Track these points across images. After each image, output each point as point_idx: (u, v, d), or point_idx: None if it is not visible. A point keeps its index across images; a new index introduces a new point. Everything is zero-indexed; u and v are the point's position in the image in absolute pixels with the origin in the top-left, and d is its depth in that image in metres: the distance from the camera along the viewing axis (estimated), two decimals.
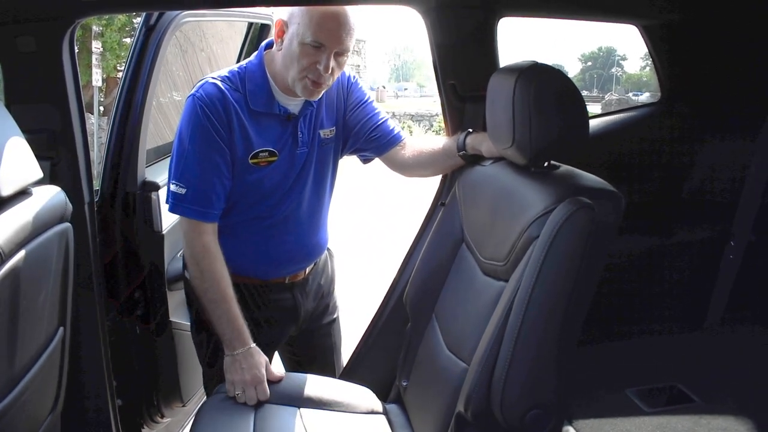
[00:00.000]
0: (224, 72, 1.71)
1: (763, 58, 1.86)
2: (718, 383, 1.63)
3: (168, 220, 2.10)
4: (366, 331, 2.08)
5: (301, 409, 1.68)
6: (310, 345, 2.03)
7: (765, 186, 1.92)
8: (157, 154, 2.41)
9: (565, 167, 1.44)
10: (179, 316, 2.22)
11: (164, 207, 2.04)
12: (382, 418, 1.72)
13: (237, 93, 1.68)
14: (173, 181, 1.67)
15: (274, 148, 1.70)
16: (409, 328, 1.75)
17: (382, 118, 1.86)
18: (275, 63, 1.69)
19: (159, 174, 2.14)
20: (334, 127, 1.82)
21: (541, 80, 1.35)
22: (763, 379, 1.65)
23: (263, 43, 1.75)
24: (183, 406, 2.28)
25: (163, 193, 2.05)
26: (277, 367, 2.09)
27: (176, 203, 1.67)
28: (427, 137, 12.22)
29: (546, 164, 1.41)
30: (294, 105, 1.74)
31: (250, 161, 1.68)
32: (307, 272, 1.89)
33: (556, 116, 1.34)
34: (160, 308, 2.10)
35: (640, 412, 1.52)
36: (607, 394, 1.60)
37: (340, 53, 1.63)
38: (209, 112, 1.64)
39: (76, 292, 1.67)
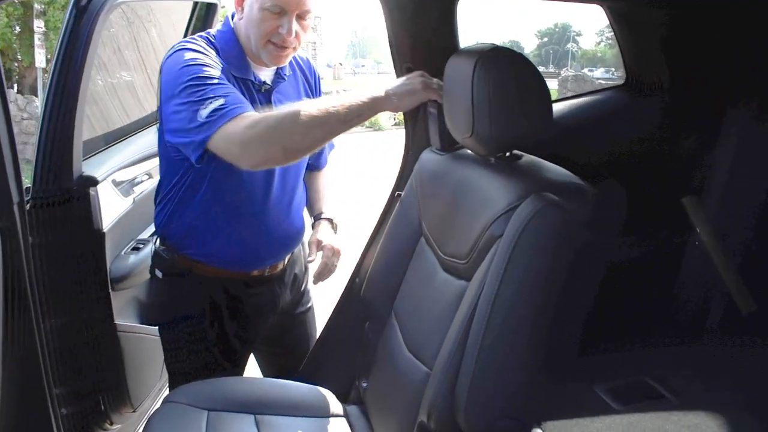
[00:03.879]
0: (195, 37, 1.62)
1: (727, 46, 1.81)
2: (688, 379, 1.59)
3: (109, 217, 1.97)
4: (324, 328, 2.00)
5: (256, 415, 1.59)
6: (286, 335, 1.97)
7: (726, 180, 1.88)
8: (107, 141, 2.28)
9: (528, 158, 1.36)
10: (125, 318, 2.11)
11: (104, 203, 1.94)
12: (343, 421, 1.65)
13: (215, 54, 1.59)
14: (200, 105, 1.44)
15: None
16: (368, 326, 1.67)
17: None
18: (240, 32, 1.61)
19: (98, 167, 2.00)
20: None
21: (501, 65, 1.26)
22: (733, 373, 1.62)
23: (229, 14, 1.66)
24: (133, 411, 2.18)
25: (102, 189, 1.93)
26: (253, 370, 2.02)
27: (216, 117, 1.42)
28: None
29: (508, 154, 1.33)
30: (265, 75, 1.66)
31: None
32: (285, 263, 1.82)
33: (517, 103, 1.25)
34: (103, 310, 1.97)
35: (609, 411, 1.48)
36: (575, 392, 1.55)
37: (302, 15, 1.57)
38: (200, 47, 1.56)
39: (9, 300, 1.55)
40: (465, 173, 1.40)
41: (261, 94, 1.64)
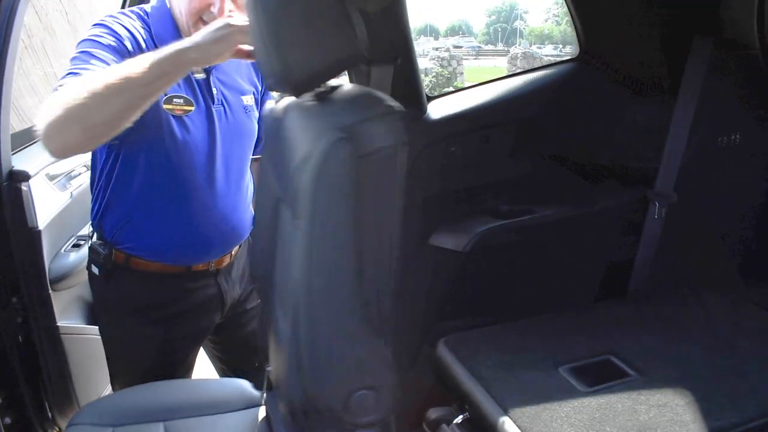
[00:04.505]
0: (126, 11, 1.51)
1: (682, 14, 1.79)
2: (650, 354, 1.58)
3: (45, 214, 1.85)
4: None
5: (166, 422, 1.49)
6: (235, 332, 1.87)
7: (685, 146, 1.87)
8: (32, 138, 2.14)
9: (348, 88, 1.17)
10: (68, 319, 2.00)
11: (39, 199, 1.82)
12: (261, 410, 1.55)
13: (145, 31, 1.47)
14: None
15: (189, 97, 1.51)
16: (259, 304, 1.59)
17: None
18: (174, 9, 1.50)
19: (30, 160, 1.88)
20: (252, 96, 1.67)
21: None
22: (694, 345, 1.62)
23: None
24: None
25: (35, 183, 1.81)
26: (205, 369, 1.93)
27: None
28: None
29: (321, 91, 1.15)
30: None
31: (164, 106, 1.46)
32: (232, 256, 1.73)
33: (305, 33, 1.07)
34: (43, 312, 1.86)
35: (576, 393, 1.44)
36: (539, 374, 1.51)
37: None
38: (119, 23, 1.44)
39: None
40: (285, 121, 1.23)
41: (197, 77, 1.54)
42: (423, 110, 1.82)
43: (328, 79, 1.13)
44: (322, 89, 1.14)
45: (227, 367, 1.95)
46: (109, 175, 1.53)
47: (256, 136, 1.70)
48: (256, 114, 1.69)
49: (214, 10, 1.44)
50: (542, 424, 1.33)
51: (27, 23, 1.69)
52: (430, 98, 1.90)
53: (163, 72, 1.24)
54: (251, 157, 1.73)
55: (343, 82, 1.18)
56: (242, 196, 1.70)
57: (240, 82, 1.64)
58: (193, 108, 1.51)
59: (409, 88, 1.80)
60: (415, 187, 1.79)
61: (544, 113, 1.97)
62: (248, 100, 1.65)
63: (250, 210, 1.75)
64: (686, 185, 1.91)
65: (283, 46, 1.06)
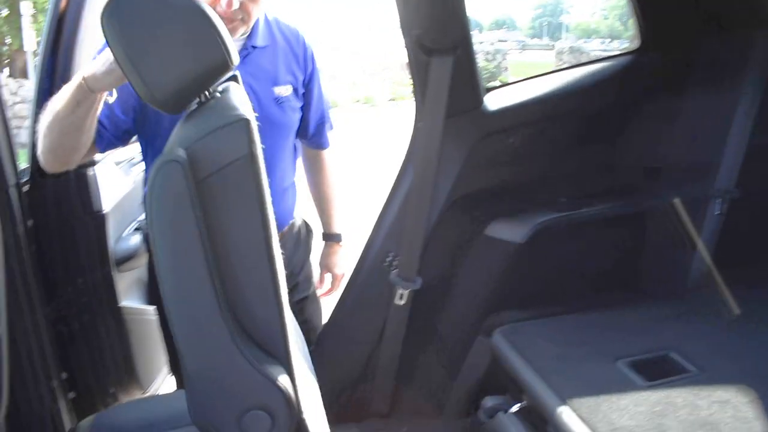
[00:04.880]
0: None
1: (744, 7, 1.75)
2: (710, 350, 1.55)
3: (110, 198, 1.91)
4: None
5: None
6: None
7: (747, 141, 1.83)
8: None
9: (217, 100, 1.07)
10: (130, 300, 2.06)
11: (104, 184, 1.88)
12: None
13: None
14: None
15: None
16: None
17: (321, 110, 1.79)
18: None
19: None
20: (290, 86, 1.68)
21: (125, 12, 1.00)
22: (754, 342, 1.59)
23: None
24: (143, 392, 2.15)
25: (100, 169, 1.87)
26: None
27: None
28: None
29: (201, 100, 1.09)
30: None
31: None
32: None
33: (162, 45, 1.00)
34: (107, 293, 1.93)
35: (635, 387, 1.43)
36: (597, 367, 1.51)
37: None
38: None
39: (10, 284, 1.50)
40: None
41: None
42: (481, 101, 1.82)
43: (200, 92, 1.05)
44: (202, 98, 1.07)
45: None
46: (147, 165, 1.61)
47: (292, 126, 1.71)
48: (295, 103, 1.70)
49: (223, 2, 1.44)
50: (601, 415, 1.32)
51: None
52: (488, 90, 1.90)
53: (77, 102, 1.31)
54: (290, 146, 1.75)
55: (228, 85, 1.10)
56: (275, 190, 1.71)
57: (276, 73, 1.65)
58: None
59: (467, 78, 1.80)
60: (471, 177, 1.80)
61: (604, 106, 1.95)
62: (282, 90, 1.65)
63: (291, 203, 1.79)
64: (748, 181, 1.87)
65: (140, 64, 1.00)
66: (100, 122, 1.53)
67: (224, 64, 1.03)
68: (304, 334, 1.95)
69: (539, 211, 1.83)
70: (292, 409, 0.98)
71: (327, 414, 1.87)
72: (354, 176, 5.91)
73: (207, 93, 1.04)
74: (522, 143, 1.85)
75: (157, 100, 1.02)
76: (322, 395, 1.88)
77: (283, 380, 0.96)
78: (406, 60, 1.76)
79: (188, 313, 0.95)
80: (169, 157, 0.90)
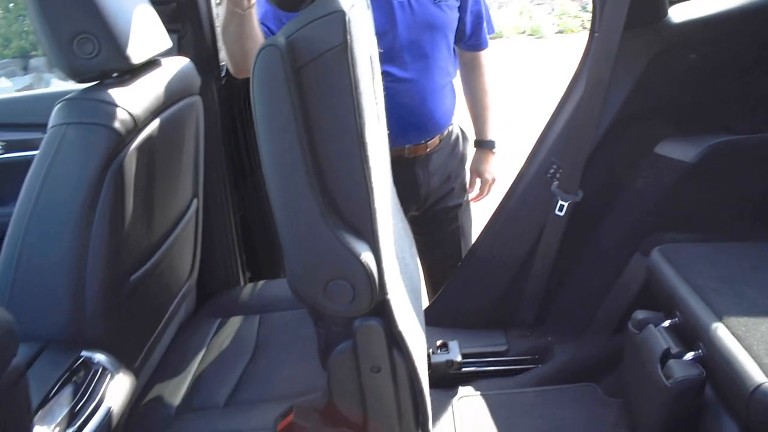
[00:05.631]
0: None
1: None
2: None
3: None
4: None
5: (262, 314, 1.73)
6: (435, 228, 2.00)
7: None
8: None
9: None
10: None
11: None
12: None
13: None
14: None
15: None
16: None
17: (477, 9, 1.85)
18: None
19: None
20: None
21: None
22: None
23: None
24: None
25: None
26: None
27: None
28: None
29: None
30: None
31: None
32: (428, 148, 1.83)
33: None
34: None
35: None
36: (760, 294, 1.44)
37: None
38: None
39: (205, 165, 1.70)
40: None
41: None
42: (664, 13, 1.73)
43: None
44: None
45: (427, 271, 2.07)
46: None
47: (450, 25, 1.76)
48: (453, 2, 1.75)
49: None
50: (759, 335, 1.29)
51: None
52: (672, 1, 1.80)
53: (231, 13, 1.53)
54: (448, 46, 1.79)
55: None
56: (435, 86, 1.77)
57: None
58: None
59: None
60: (644, 93, 1.74)
61: None
62: None
63: (447, 108, 1.84)
64: None
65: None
66: (269, 28, 1.66)
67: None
68: (456, 240, 2.04)
69: (713, 132, 1.74)
70: (373, 284, 1.05)
71: (476, 319, 1.96)
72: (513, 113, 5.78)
73: None
74: (704, 61, 1.75)
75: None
76: (473, 299, 1.97)
77: (367, 257, 1.03)
78: None
79: (282, 186, 1.02)
80: (269, 42, 0.99)
